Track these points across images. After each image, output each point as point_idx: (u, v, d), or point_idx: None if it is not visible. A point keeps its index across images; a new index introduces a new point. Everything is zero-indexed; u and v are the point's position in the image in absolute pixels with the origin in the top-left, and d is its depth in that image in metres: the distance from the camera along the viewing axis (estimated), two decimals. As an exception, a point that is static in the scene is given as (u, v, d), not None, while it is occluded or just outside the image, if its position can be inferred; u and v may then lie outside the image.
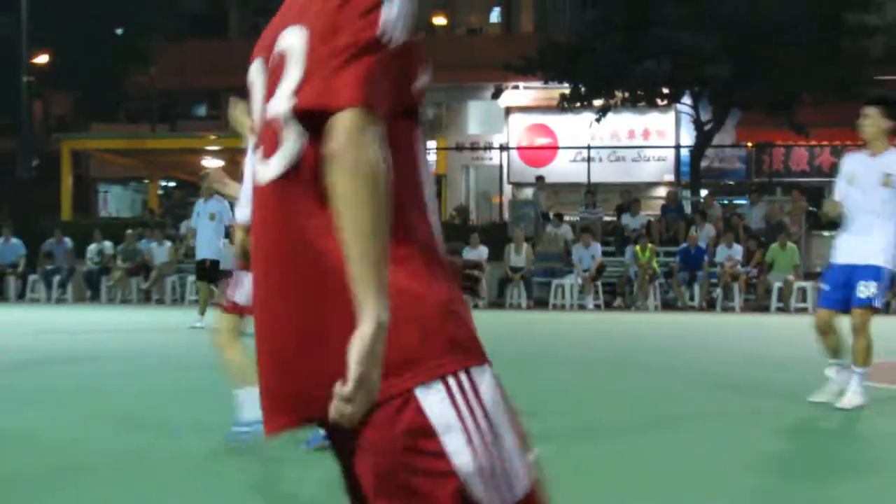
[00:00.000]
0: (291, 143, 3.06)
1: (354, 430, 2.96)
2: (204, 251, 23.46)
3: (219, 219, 23.10)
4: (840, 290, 11.64)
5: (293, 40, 3.12)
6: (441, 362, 2.95)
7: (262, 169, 3.13)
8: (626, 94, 40.79)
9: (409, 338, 2.94)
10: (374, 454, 2.98)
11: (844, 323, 11.84)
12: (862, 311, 11.45)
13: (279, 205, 3.08)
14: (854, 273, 11.49)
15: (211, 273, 23.57)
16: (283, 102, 3.09)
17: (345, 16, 2.99)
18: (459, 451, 2.93)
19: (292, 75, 3.07)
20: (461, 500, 2.94)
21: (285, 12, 3.23)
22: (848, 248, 11.71)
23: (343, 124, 2.86)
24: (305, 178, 3.00)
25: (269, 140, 3.12)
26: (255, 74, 3.28)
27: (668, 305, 32.01)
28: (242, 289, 9.38)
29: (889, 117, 11.49)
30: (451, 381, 2.95)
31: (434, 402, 2.93)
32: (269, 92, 3.17)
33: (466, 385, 2.97)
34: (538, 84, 42.99)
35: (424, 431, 2.94)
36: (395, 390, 2.92)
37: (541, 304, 31.98)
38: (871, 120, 11.50)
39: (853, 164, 11.85)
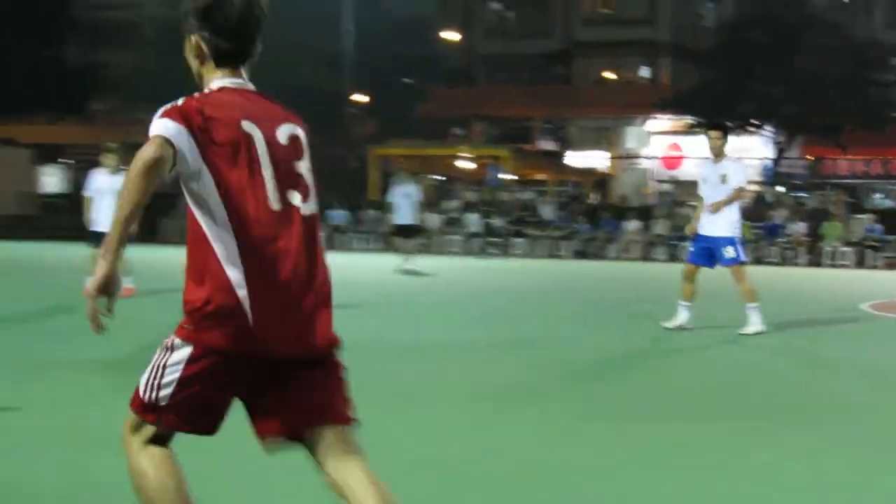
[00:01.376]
0: (314, 195, 3.17)
1: (321, 360, 3.14)
2: (401, 219, 22.65)
3: (413, 196, 22.67)
4: (703, 253, 11.22)
5: (301, 136, 3.18)
6: None
7: (302, 205, 3.11)
8: (730, 124, 41.05)
9: None
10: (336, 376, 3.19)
11: (704, 275, 11.47)
12: (735, 267, 11.09)
13: (313, 228, 3.12)
14: (715, 243, 11.08)
15: (406, 232, 22.87)
16: (307, 170, 3.17)
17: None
18: None
19: (308, 159, 3.18)
20: None
21: (267, 109, 3.13)
22: (706, 225, 11.13)
23: None
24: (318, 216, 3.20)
25: (304, 188, 3.13)
26: (252, 129, 3.02)
27: (757, 261, 30.88)
28: None
29: (725, 138, 11.23)
30: None
31: None
32: (291, 154, 3.12)
33: None
34: (672, 116, 44.31)
35: None
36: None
37: (674, 258, 32.88)
38: (716, 140, 11.17)
39: (704, 170, 11.48)
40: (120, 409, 3.29)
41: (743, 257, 11.14)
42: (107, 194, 13.46)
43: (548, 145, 49.22)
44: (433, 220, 36.50)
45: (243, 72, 3.17)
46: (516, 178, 44.01)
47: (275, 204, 3.02)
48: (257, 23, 3.14)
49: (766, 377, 8.71)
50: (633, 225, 34.34)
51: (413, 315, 13.56)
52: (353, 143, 45.55)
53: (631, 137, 48.62)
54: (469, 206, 38.08)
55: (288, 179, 3.08)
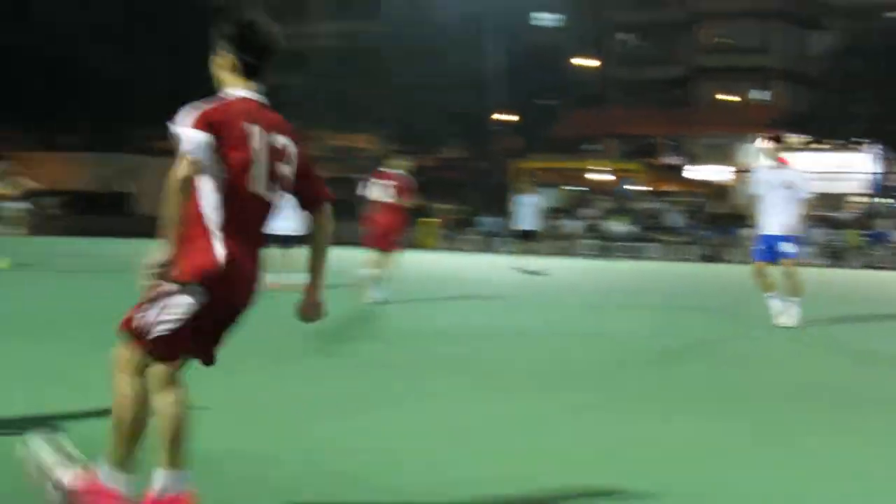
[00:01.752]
0: (285, 191, 3.63)
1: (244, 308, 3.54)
2: (524, 225, 23.00)
3: (536, 205, 23.00)
4: (768, 251, 11.46)
5: (290, 147, 3.61)
6: None
7: (274, 195, 3.55)
8: (839, 143, 43.55)
9: None
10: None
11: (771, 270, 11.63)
12: (790, 262, 11.39)
13: (270, 212, 3.57)
14: (777, 240, 11.40)
15: (528, 236, 23.24)
16: (288, 172, 3.61)
17: (312, 164, 3.71)
18: None
19: (291, 164, 3.60)
20: None
21: (267, 118, 3.55)
22: (770, 225, 11.39)
23: (329, 208, 3.73)
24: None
25: (282, 184, 3.57)
26: (256, 132, 3.46)
27: (867, 265, 33.31)
28: None
29: (781, 148, 11.72)
30: None
31: None
32: (279, 158, 3.55)
33: None
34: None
35: None
36: None
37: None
38: (772, 150, 11.59)
39: (764, 174, 11.70)
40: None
41: (797, 254, 11.57)
42: None
43: (672, 160, 51.77)
44: (573, 225, 38.75)
45: (257, 85, 3.66)
46: (646, 189, 46.50)
47: (259, 188, 3.50)
48: (275, 45, 3.68)
49: (857, 372, 8.65)
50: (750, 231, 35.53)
51: (537, 307, 13.84)
52: (499, 157, 47.60)
53: (746, 153, 49.23)
54: (603, 214, 40.68)
55: (272, 174, 3.54)
